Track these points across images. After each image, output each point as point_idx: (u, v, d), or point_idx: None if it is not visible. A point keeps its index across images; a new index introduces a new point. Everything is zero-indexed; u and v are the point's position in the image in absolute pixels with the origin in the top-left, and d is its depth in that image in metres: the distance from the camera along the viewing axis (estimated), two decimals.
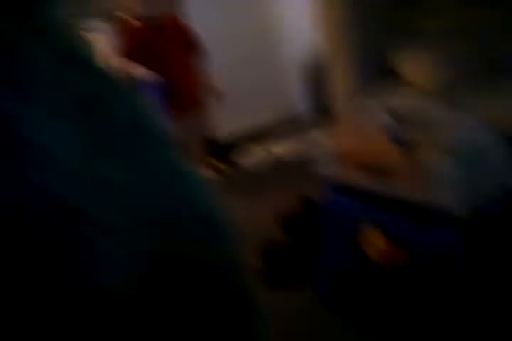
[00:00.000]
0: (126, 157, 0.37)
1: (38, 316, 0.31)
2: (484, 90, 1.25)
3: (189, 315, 0.39)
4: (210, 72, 2.55)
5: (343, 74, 1.57)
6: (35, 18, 0.36)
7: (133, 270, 0.35)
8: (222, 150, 3.05)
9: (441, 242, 0.95)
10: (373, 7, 1.52)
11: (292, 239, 1.71)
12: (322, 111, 2.68)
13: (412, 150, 1.02)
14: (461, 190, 0.94)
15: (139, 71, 2.23)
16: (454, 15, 1.35)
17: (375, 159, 1.10)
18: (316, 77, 2.78)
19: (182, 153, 0.42)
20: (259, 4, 3.06)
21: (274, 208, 1.91)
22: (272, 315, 0.45)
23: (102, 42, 2.40)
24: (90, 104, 0.36)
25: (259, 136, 3.12)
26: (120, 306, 0.34)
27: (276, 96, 3.14)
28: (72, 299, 0.32)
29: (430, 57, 1.31)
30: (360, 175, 1.09)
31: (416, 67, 1.32)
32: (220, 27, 2.85)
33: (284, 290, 1.56)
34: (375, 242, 1.05)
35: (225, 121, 2.92)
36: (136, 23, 2.36)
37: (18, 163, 0.31)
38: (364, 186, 1.15)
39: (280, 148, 3.01)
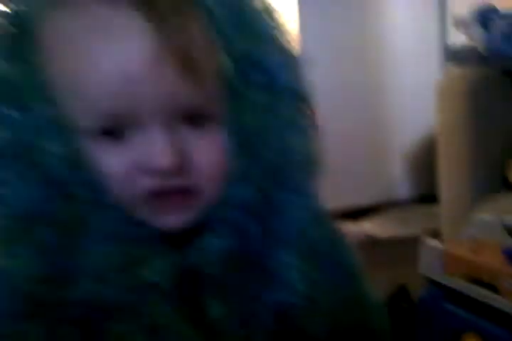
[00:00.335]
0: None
1: None
2: None
3: None
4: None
5: (456, 183, 1.60)
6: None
7: None
8: None
9: None
10: (498, 116, 1.54)
11: None
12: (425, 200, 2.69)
13: None
14: None
15: None
16: None
17: (486, 275, 1.06)
18: (425, 166, 2.74)
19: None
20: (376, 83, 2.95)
21: None
22: None
23: None
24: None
25: (353, 214, 3.02)
26: None
27: (378, 177, 3.09)
28: None
29: None
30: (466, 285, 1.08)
31: None
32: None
33: None
34: None
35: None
36: None
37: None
38: (469, 294, 1.12)
39: (376, 227, 2.82)
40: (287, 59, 0.49)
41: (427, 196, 2.54)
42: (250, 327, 0.47)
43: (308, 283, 0.48)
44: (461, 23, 1.64)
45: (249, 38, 0.45)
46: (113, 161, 0.44)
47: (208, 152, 0.45)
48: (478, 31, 1.56)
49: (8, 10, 0.44)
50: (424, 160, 2.70)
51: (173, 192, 0.44)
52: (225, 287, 0.46)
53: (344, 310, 0.54)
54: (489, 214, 1.24)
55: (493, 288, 1.11)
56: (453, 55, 1.73)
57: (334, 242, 0.57)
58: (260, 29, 0.47)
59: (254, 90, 0.46)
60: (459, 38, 2.38)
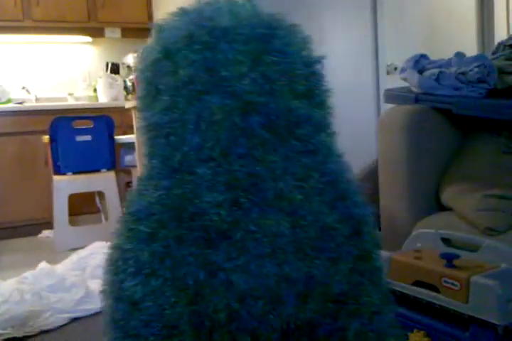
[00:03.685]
0: None
1: None
2: None
3: None
4: None
5: (397, 202, 1.77)
6: None
7: None
8: None
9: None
10: (431, 147, 1.74)
11: None
12: None
13: (461, 271, 1.21)
14: (503, 306, 1.12)
15: None
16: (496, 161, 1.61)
17: (428, 277, 1.29)
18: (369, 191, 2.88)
19: None
20: None
21: None
22: None
23: None
24: None
25: None
26: None
27: None
28: None
29: (478, 197, 1.50)
30: (410, 287, 1.31)
31: (466, 205, 1.51)
32: None
33: None
34: None
35: None
36: None
37: None
38: (414, 295, 1.33)
39: None
40: None
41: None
42: None
43: None
44: (401, 69, 1.87)
45: None
46: None
47: None
48: (412, 75, 1.79)
49: None
50: (369, 186, 2.87)
51: None
52: None
53: None
54: (428, 229, 1.43)
55: (435, 289, 1.28)
56: (391, 96, 1.94)
57: None
58: None
59: None
60: (390, 83, 2.68)
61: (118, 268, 0.59)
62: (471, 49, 3.26)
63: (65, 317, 1.91)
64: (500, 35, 3.24)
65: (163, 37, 0.67)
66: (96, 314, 1.96)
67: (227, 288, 0.56)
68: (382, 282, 0.67)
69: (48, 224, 3.51)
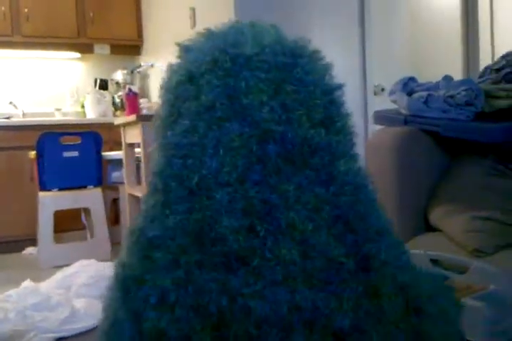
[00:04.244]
0: None
1: None
2: None
3: None
4: None
5: None
6: None
7: None
8: None
9: None
10: (419, 168, 1.76)
11: None
12: None
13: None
14: (491, 328, 1.13)
15: None
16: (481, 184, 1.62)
17: None
18: None
19: None
20: None
21: None
22: None
23: None
24: None
25: None
26: None
27: None
28: None
29: (466, 218, 1.52)
30: None
31: (454, 226, 1.53)
32: None
33: None
34: None
35: None
36: None
37: None
38: None
39: None
40: None
41: None
42: None
43: None
44: (390, 91, 1.90)
45: None
46: None
47: None
48: (401, 97, 1.82)
49: None
50: None
51: None
52: None
53: None
54: (417, 250, 1.44)
55: None
56: (380, 117, 1.97)
57: None
58: None
59: None
60: (377, 103, 2.71)
61: (135, 298, 0.58)
62: (456, 71, 3.33)
63: (50, 337, 1.87)
64: (484, 58, 3.31)
65: (188, 59, 0.68)
66: (81, 334, 1.93)
67: (245, 314, 0.56)
68: (390, 321, 0.63)
69: (32, 241, 3.47)
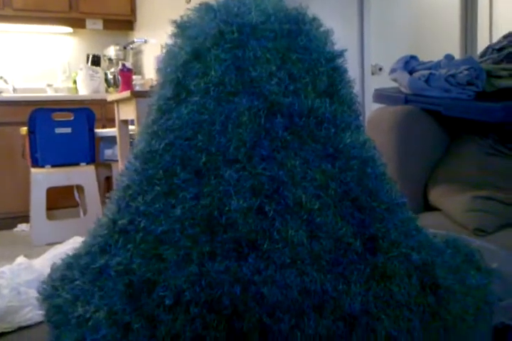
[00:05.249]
0: None
1: None
2: None
3: None
4: None
5: None
6: None
7: None
8: None
9: None
10: (418, 146, 1.74)
11: None
12: None
13: None
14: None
15: None
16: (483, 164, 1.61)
17: None
18: None
19: None
20: None
21: None
22: None
23: None
24: None
25: None
26: None
27: None
28: None
29: (467, 198, 1.50)
30: None
31: (455, 206, 1.51)
32: None
33: None
34: None
35: None
36: None
37: None
38: None
39: None
40: None
41: None
42: None
43: None
44: (391, 69, 1.87)
45: None
46: None
47: None
48: (402, 75, 1.80)
49: None
50: None
51: None
52: None
53: None
54: None
55: None
56: (380, 96, 1.95)
57: None
58: None
59: None
60: (374, 83, 2.69)
61: (147, 303, 0.54)
62: (454, 50, 3.30)
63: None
64: (483, 37, 3.28)
65: (190, 36, 0.65)
66: None
67: (258, 302, 0.53)
68: (401, 303, 0.60)
69: (24, 218, 3.44)
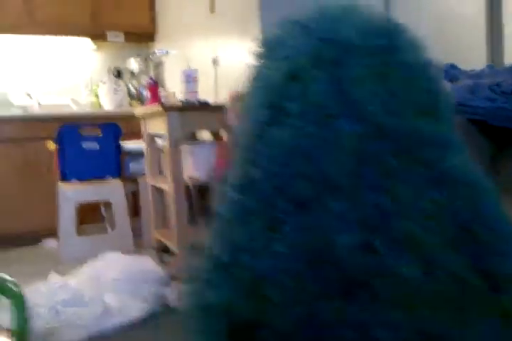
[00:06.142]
0: None
1: None
2: None
3: None
4: None
5: None
6: None
7: None
8: None
9: None
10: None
11: None
12: None
13: None
14: None
15: None
16: None
17: None
18: None
19: None
20: None
21: None
22: None
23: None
24: None
25: None
26: None
27: None
28: None
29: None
30: None
31: None
32: None
33: None
34: None
35: None
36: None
37: None
38: None
39: None
40: None
41: None
42: None
43: None
44: None
45: None
46: None
47: None
48: (444, 85, 1.75)
49: None
50: None
51: None
52: None
53: None
54: None
55: None
56: None
57: None
58: None
59: None
60: None
61: None
62: (479, 55, 3.25)
63: (84, 333, 1.84)
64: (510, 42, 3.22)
65: (283, 56, 0.61)
66: (115, 330, 1.90)
67: None
68: None
69: (50, 233, 3.43)
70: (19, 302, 1.00)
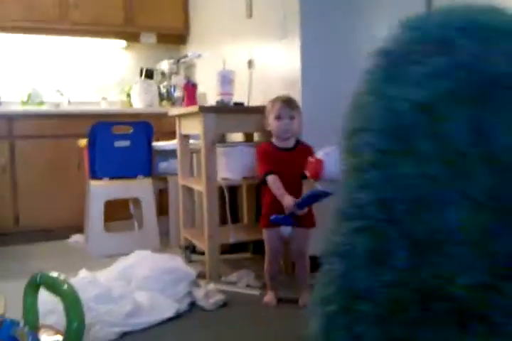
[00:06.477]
0: None
1: None
2: None
3: None
4: None
5: None
6: None
7: None
8: None
9: None
10: None
11: None
12: None
13: None
14: None
15: None
16: None
17: None
18: None
19: None
20: None
21: None
22: None
23: None
24: None
25: None
26: None
27: None
28: None
29: None
30: None
31: None
32: None
33: None
34: None
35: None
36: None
37: None
38: None
39: None
40: None
41: None
42: None
43: None
44: None
45: None
46: None
47: None
48: None
49: None
50: None
51: None
52: None
53: None
54: None
55: None
56: None
57: None
58: None
59: None
60: None
61: None
62: None
63: (116, 331, 1.84)
64: None
65: (414, 81, 0.53)
66: (145, 328, 1.90)
67: None
68: None
69: (77, 229, 3.46)
70: (73, 301, 1.00)
